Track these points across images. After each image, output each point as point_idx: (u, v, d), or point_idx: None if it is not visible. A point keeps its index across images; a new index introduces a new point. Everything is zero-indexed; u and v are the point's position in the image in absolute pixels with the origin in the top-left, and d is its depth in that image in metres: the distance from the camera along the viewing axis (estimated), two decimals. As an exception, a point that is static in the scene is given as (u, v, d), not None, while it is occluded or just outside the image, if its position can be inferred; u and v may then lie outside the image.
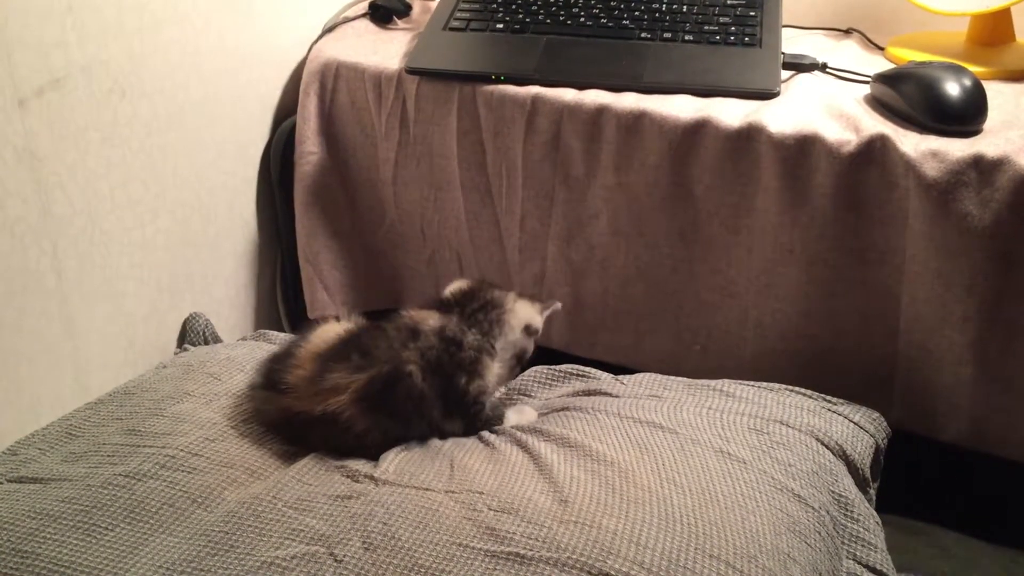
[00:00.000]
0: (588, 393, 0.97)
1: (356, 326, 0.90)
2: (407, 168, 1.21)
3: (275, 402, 0.86)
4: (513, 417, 0.92)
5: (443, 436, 0.88)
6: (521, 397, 1.00)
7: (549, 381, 1.02)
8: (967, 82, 0.98)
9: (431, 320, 0.88)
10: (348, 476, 0.81)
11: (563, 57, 1.15)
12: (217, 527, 0.75)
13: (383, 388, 0.83)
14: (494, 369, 0.89)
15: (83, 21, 0.95)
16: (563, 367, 1.03)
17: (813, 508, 0.80)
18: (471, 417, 0.88)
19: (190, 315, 1.15)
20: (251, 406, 0.90)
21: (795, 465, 0.83)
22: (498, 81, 1.13)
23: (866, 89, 1.07)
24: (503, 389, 1.00)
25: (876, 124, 0.98)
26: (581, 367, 1.03)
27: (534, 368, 1.03)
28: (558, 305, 0.98)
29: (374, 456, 0.84)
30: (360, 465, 0.83)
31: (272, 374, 0.87)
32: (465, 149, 1.16)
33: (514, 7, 1.23)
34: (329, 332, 0.88)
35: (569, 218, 1.14)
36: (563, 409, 0.93)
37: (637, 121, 1.05)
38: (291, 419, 0.85)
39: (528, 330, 0.93)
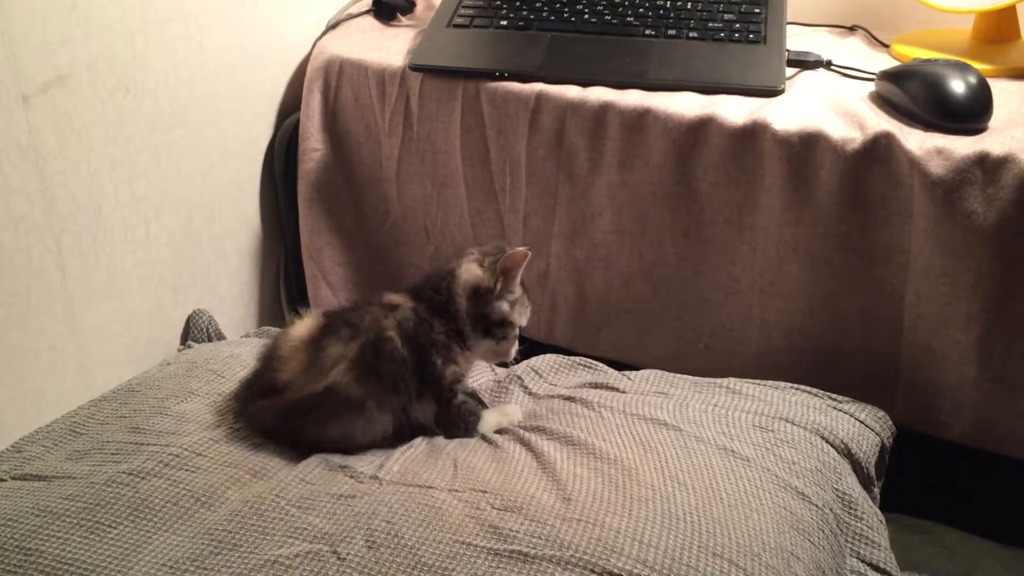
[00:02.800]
0: (596, 385, 0.98)
1: (329, 312, 0.92)
2: (411, 165, 1.21)
3: (271, 406, 0.86)
4: (492, 419, 0.91)
5: (413, 422, 0.88)
6: (516, 388, 0.99)
7: (559, 368, 1.03)
8: (972, 80, 0.97)
9: (406, 302, 0.92)
10: (351, 476, 0.81)
11: (567, 54, 1.14)
12: (220, 526, 0.75)
13: (372, 353, 0.86)
14: (469, 359, 0.92)
15: (88, 18, 0.95)
16: (575, 358, 1.04)
17: (817, 506, 0.80)
18: (444, 403, 0.89)
19: (193, 312, 1.15)
20: (244, 421, 0.90)
21: (799, 463, 0.83)
22: (502, 78, 1.12)
23: (871, 86, 1.07)
24: (497, 372, 1.02)
25: (881, 122, 0.98)
26: (592, 360, 1.03)
27: (546, 355, 1.04)
28: (514, 249, 0.89)
29: (368, 438, 0.86)
30: (364, 466, 0.83)
31: (255, 386, 0.89)
32: (469, 146, 1.16)
33: (518, 4, 1.23)
34: (303, 325, 0.90)
35: (573, 216, 1.13)
36: (569, 399, 0.94)
37: (641, 118, 1.05)
38: (289, 412, 0.85)
39: (477, 292, 0.91)
